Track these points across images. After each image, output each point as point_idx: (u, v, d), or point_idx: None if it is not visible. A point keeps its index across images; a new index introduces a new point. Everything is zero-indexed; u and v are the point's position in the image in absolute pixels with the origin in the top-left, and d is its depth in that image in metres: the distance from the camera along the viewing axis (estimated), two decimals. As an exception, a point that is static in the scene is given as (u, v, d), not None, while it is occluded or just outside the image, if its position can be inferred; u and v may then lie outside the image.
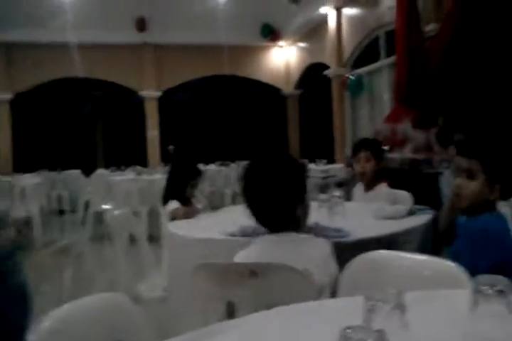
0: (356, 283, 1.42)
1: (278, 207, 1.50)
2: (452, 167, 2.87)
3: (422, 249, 1.91)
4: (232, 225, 2.03)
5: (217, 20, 9.99)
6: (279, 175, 1.50)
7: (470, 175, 1.70)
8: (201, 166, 9.45)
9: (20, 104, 11.12)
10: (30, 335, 0.93)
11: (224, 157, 10.12)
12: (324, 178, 6.09)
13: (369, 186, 3.10)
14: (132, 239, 2.62)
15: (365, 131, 8.65)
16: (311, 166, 7.76)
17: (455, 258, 1.44)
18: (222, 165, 9.13)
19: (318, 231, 1.86)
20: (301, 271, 1.42)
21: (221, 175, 8.18)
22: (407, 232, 2.00)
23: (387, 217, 2.23)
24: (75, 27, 9.53)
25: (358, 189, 3.18)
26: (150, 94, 11.35)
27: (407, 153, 5.55)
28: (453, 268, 1.30)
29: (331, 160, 8.76)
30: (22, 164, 10.50)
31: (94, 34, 10.16)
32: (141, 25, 10.45)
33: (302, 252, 1.51)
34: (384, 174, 3.19)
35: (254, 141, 12.28)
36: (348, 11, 8.94)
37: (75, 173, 9.05)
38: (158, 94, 11.45)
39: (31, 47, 10.43)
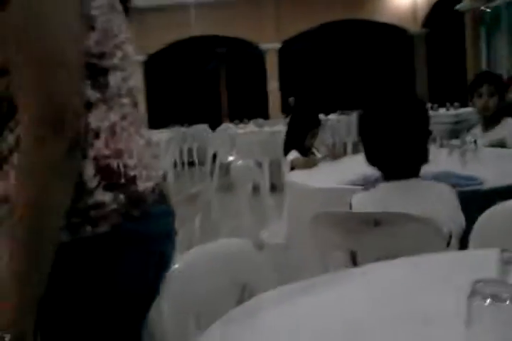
0: (490, 234, 1.32)
1: (399, 150, 1.42)
2: None
3: None
4: (353, 174, 1.98)
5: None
6: (398, 115, 1.43)
7: None
8: (322, 116, 9.39)
9: (151, 64, 11.81)
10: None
11: (346, 106, 9.86)
12: (456, 123, 5.65)
13: (490, 124, 2.81)
14: (255, 189, 2.69)
15: (504, 71, 7.80)
16: (442, 111, 7.26)
17: None
18: (343, 114, 8.90)
19: (444, 179, 1.73)
20: (426, 219, 1.34)
21: (342, 125, 8.00)
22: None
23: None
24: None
25: (474, 132, 2.89)
26: (270, 46, 11.36)
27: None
28: None
29: (464, 104, 8.07)
30: (156, 120, 11.26)
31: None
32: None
33: (426, 199, 1.43)
34: (509, 111, 2.89)
35: (377, 88, 11.76)
36: None
37: (203, 127, 9.48)
38: (278, 45, 11.40)
39: (158, 10, 10.92)
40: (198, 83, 13.83)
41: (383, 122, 1.43)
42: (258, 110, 11.37)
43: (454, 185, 1.67)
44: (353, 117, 8.65)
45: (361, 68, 12.92)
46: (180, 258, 1.05)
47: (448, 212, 1.41)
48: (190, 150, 9.22)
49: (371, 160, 1.48)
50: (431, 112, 7.41)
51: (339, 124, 8.15)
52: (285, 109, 10.83)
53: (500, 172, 1.92)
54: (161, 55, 11.75)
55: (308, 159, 2.76)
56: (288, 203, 2.24)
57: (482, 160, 2.12)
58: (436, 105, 7.91)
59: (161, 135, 6.73)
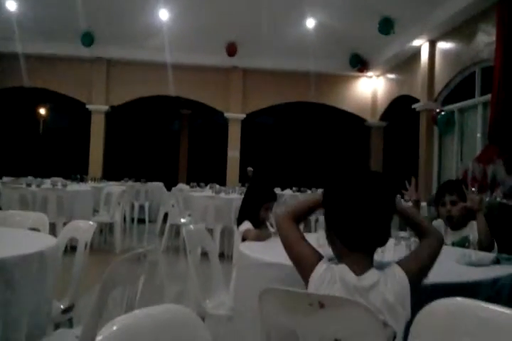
0: (430, 329, 1.34)
1: (370, 228, 1.45)
2: None
3: (499, 301, 1.77)
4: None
5: (306, 48, 10.15)
6: (368, 191, 1.45)
7: None
8: (277, 190, 9.55)
9: (114, 116, 11.88)
10: (98, 337, 0.96)
11: (301, 183, 10.10)
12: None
13: (456, 227, 2.96)
14: (204, 254, 2.66)
15: (453, 170, 8.29)
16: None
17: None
18: (298, 191, 9.10)
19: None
20: (370, 309, 1.37)
21: (294, 200, 8.14)
22: (494, 282, 1.86)
23: (471, 264, 2.10)
24: (170, 48, 10.14)
25: (443, 227, 3.04)
26: (235, 116, 11.69)
27: (497, 196, 5.24)
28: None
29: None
30: (111, 172, 11.15)
31: (187, 56, 10.78)
32: (232, 49, 10.85)
33: (383, 292, 1.45)
34: (472, 216, 3.05)
35: (333, 170, 12.17)
36: (443, 45, 8.74)
37: (158, 185, 9.43)
38: (242, 116, 11.76)
39: (128, 65, 11.23)
40: (159, 141, 13.93)
41: (352, 197, 1.45)
42: (215, 175, 11.48)
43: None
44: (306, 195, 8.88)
45: (320, 149, 13.44)
46: (118, 319, 1.02)
47: (396, 306, 1.44)
48: (142, 207, 9.11)
49: (336, 231, 1.49)
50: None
51: (294, 200, 8.29)
52: (242, 178, 10.98)
53: (444, 269, 1.99)
54: (125, 109, 11.87)
55: (261, 231, 2.76)
56: (236, 274, 2.23)
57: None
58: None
59: (114, 188, 6.64)
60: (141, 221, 8.94)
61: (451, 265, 2.12)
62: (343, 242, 1.49)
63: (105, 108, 11.46)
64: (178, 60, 10.73)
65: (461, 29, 7.93)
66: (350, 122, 12.57)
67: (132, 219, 8.57)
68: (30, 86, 11.03)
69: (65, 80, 11.26)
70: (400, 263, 1.54)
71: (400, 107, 10.68)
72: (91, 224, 2.68)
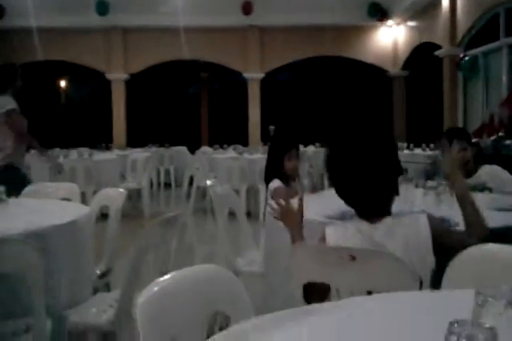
0: (463, 276, 1.35)
1: (369, 187, 1.42)
2: None
3: None
4: (331, 208, 2.01)
5: (323, 1, 9.78)
6: (366, 151, 1.42)
7: None
8: (300, 147, 9.49)
9: (134, 84, 11.85)
10: (140, 299, 0.99)
11: (324, 139, 10.02)
12: (432, 164, 5.80)
13: (469, 172, 2.93)
14: (231, 215, 2.70)
15: (479, 116, 8.08)
16: (418, 151, 7.43)
17: None
18: (321, 146, 9.05)
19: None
20: (399, 258, 1.38)
21: (320, 156, 8.10)
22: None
23: (502, 209, 2.08)
24: (184, 12, 9.89)
25: None
26: (253, 75, 11.51)
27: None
28: None
29: (440, 145, 8.28)
30: (134, 139, 11.24)
31: (202, 18, 10.53)
32: (248, 8, 10.55)
33: (402, 237, 1.45)
34: (492, 160, 3.03)
35: (356, 123, 11.99)
36: (464, -13, 8.31)
37: (182, 149, 9.49)
38: (261, 75, 11.57)
39: (144, 31, 11.07)
40: (180, 106, 13.90)
41: (351, 158, 1.43)
42: (238, 136, 11.46)
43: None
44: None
45: (342, 103, 13.19)
46: (155, 282, 1.05)
47: (421, 250, 1.44)
48: (167, 172, 9.21)
49: (342, 196, 1.48)
50: (407, 152, 7.64)
51: (317, 156, 8.25)
52: (264, 137, 10.94)
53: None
54: (145, 76, 11.82)
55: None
56: (266, 232, 2.26)
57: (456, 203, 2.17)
58: (412, 145, 8.11)
59: (139, 154, 6.72)
60: (168, 185, 9.07)
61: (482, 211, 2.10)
62: (350, 205, 1.48)
63: (124, 76, 11.43)
64: (193, 23, 10.50)
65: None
66: (372, 74, 12.26)
67: (159, 184, 8.71)
68: (46, 59, 11.02)
69: (82, 51, 11.21)
70: (430, 216, 1.53)
71: (421, 55, 10.32)
72: (121, 191, 2.73)
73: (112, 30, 11.19)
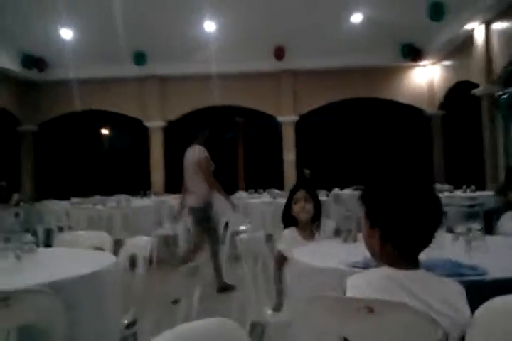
0: (488, 328, 1.28)
1: (422, 232, 1.42)
2: None
3: None
4: (356, 256, 1.95)
5: (355, 44, 9.96)
6: (418, 199, 1.43)
7: None
8: (337, 190, 9.38)
9: (171, 130, 12.22)
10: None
11: (362, 181, 9.90)
12: (471, 206, 5.58)
13: None
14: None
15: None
16: (457, 193, 7.18)
17: None
18: (357, 189, 8.92)
19: (448, 267, 1.71)
20: (423, 312, 1.31)
21: (355, 199, 7.97)
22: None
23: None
24: (218, 59, 10.24)
25: (509, 218, 2.87)
26: (287, 118, 11.67)
27: None
28: None
29: (481, 187, 8.00)
30: (173, 185, 11.42)
31: (235, 64, 10.90)
32: (280, 53, 10.85)
33: (429, 295, 1.38)
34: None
35: (394, 165, 11.86)
36: (498, 25, 8.31)
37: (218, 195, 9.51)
38: (295, 118, 11.72)
39: (180, 79, 11.52)
40: (217, 150, 14.10)
41: (402, 200, 1.43)
42: (273, 180, 11.48)
43: (457, 274, 1.66)
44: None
45: (379, 144, 13.09)
46: (165, 334, 1.03)
47: (451, 313, 1.37)
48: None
49: (388, 236, 1.45)
50: (447, 194, 7.40)
51: (353, 199, 8.14)
52: (300, 181, 10.91)
53: (505, 263, 1.88)
54: (182, 123, 12.17)
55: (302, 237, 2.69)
56: (289, 280, 2.21)
57: (487, 249, 2.08)
58: (452, 187, 7.87)
59: (175, 200, 6.79)
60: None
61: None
62: (395, 246, 1.43)
63: (162, 123, 11.82)
64: (227, 70, 10.90)
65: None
66: (408, 114, 12.21)
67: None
68: (88, 109, 11.57)
69: (120, 100, 11.75)
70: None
71: (458, 94, 10.24)
72: (147, 239, 2.75)
73: (148, 79, 11.69)
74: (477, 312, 1.29)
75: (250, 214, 6.66)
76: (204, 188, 4.92)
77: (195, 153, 5.20)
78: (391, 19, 9.55)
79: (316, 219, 2.75)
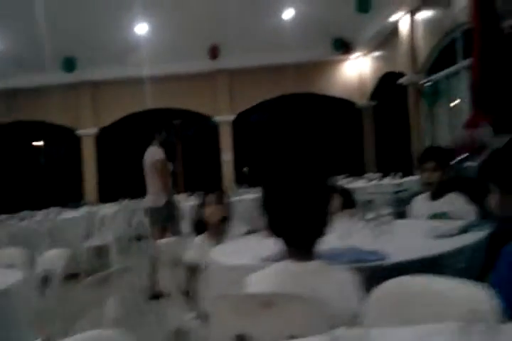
0: (382, 309, 1.32)
1: (300, 222, 1.43)
2: None
3: (471, 269, 1.73)
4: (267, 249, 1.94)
5: (288, 40, 9.98)
6: (299, 193, 1.44)
7: None
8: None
9: (104, 137, 11.86)
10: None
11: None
12: (396, 193, 5.77)
13: (435, 196, 2.89)
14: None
15: (446, 140, 8.16)
16: (385, 180, 7.40)
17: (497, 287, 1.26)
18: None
19: (348, 254, 1.73)
20: (317, 302, 1.32)
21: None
22: (454, 253, 1.80)
23: (439, 236, 2.03)
24: (151, 61, 10.03)
25: (422, 198, 2.96)
26: (224, 118, 11.63)
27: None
28: (484, 297, 1.14)
29: (409, 173, 8.28)
30: (107, 194, 11.09)
31: (169, 66, 10.70)
32: (214, 52, 10.77)
33: (321, 283, 1.41)
34: (455, 184, 2.97)
35: (329, 158, 12.04)
36: (421, 15, 8.60)
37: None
38: (232, 117, 11.69)
39: (113, 84, 11.19)
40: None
41: (286, 196, 1.44)
42: (212, 181, 11.41)
43: (356, 261, 1.68)
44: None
45: (314, 138, 13.23)
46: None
47: (343, 300, 1.38)
48: (140, 224, 9.01)
49: (274, 230, 1.46)
50: (375, 182, 7.61)
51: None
52: (239, 180, 10.91)
53: (407, 247, 1.94)
54: (115, 129, 11.87)
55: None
56: (206, 284, 2.18)
57: (393, 234, 2.13)
58: (381, 175, 8.11)
59: (106, 210, 6.61)
60: (145, 238, 8.87)
61: (418, 240, 2.06)
62: (286, 241, 1.46)
63: (94, 131, 11.45)
64: (161, 71, 10.68)
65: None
66: (341, 107, 12.44)
67: (130, 238, 8.50)
68: (17, 120, 11.08)
69: (51, 110, 11.28)
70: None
71: (388, 85, 10.54)
72: (62, 252, 2.64)
73: (80, 85, 11.30)
74: (372, 294, 1.33)
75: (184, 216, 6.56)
76: (157, 187, 5.00)
77: (151, 155, 5.28)
78: (321, 14, 9.69)
79: (226, 221, 2.75)
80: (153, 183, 5.05)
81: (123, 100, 11.33)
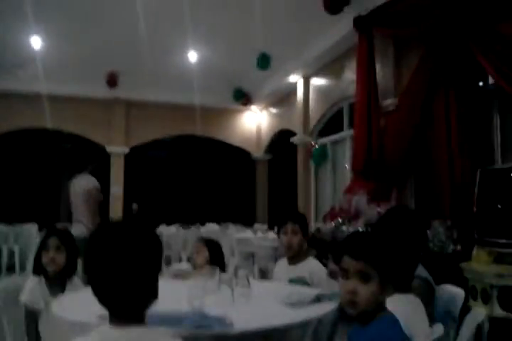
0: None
1: (125, 288, 1.30)
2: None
3: None
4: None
5: (190, 81, 10.11)
6: (127, 248, 1.31)
7: (364, 277, 1.51)
8: (163, 227, 9.25)
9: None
10: None
11: (189, 219, 9.93)
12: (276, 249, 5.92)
13: (295, 260, 2.99)
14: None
15: (329, 201, 8.63)
16: (270, 234, 7.54)
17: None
18: (182, 227, 8.92)
19: (196, 320, 1.72)
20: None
21: (178, 239, 7.96)
22: (302, 324, 1.87)
23: (292, 304, 2.11)
24: (46, 78, 9.55)
25: (282, 263, 3.06)
26: (117, 149, 11.31)
27: (358, 227, 5.48)
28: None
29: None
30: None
31: (65, 86, 10.26)
32: (112, 80, 10.52)
33: None
34: (316, 247, 3.13)
35: (221, 204, 12.16)
36: (315, 81, 9.24)
37: (30, 227, 8.74)
38: (126, 150, 11.41)
39: (1, 97, 10.45)
40: (38, 177, 12.96)
41: (110, 254, 1.30)
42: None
43: (199, 326, 1.67)
44: (192, 231, 8.75)
45: (208, 183, 13.33)
46: None
47: None
48: (11, 253, 8.36)
49: (97, 295, 1.32)
50: (260, 235, 7.74)
51: (176, 238, 8.09)
52: (127, 215, 10.55)
53: (258, 314, 1.98)
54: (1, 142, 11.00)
55: None
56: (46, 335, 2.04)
57: (248, 298, 2.17)
58: (265, 227, 8.28)
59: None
60: (11, 269, 8.19)
61: (271, 306, 2.11)
62: (104, 303, 1.33)
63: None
64: (55, 91, 10.19)
65: (330, 66, 8.44)
66: (238, 155, 12.74)
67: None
68: None
69: None
70: None
71: (282, 140, 11.01)
72: None
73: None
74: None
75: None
76: (89, 216, 5.11)
77: (86, 182, 5.45)
78: (225, 63, 9.95)
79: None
80: (83, 212, 5.17)
81: (10, 114, 10.55)
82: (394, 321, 1.56)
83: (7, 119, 10.59)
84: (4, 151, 11.79)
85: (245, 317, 1.84)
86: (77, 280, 2.65)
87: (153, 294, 1.35)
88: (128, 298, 1.31)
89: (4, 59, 9.47)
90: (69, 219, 10.86)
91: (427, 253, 3.77)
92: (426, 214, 5.29)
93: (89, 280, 1.33)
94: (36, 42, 9.13)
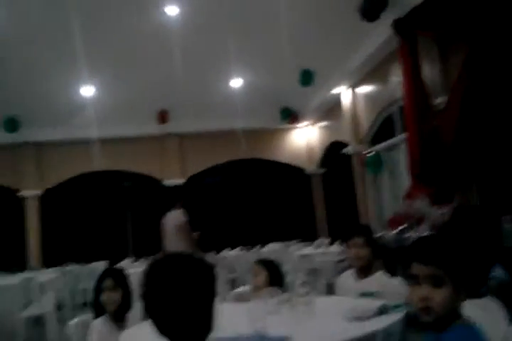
0: None
1: (183, 317, 1.33)
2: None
3: None
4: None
5: (237, 107, 10.32)
6: (181, 280, 1.35)
7: (436, 282, 1.44)
8: (226, 251, 9.28)
9: (49, 199, 11.53)
10: None
11: (249, 241, 9.92)
12: (340, 261, 5.77)
13: (363, 274, 2.90)
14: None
15: (390, 209, 8.38)
16: (333, 247, 7.41)
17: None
18: (244, 249, 8.92)
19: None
20: None
21: (241, 261, 7.95)
22: (366, 338, 1.79)
23: (355, 318, 2.02)
24: (101, 122, 10.05)
25: (348, 277, 2.97)
26: (173, 182, 11.61)
27: (423, 231, 5.26)
28: None
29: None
30: (51, 258, 10.59)
31: (119, 128, 10.75)
32: (163, 117, 10.95)
33: None
34: (381, 256, 3.02)
35: (281, 222, 12.07)
36: (362, 89, 9.11)
37: (101, 265, 9.00)
38: (182, 181, 11.69)
39: (59, 145, 11.09)
40: (102, 217, 13.39)
41: (167, 286, 1.34)
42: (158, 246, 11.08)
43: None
44: (254, 252, 8.71)
45: (264, 203, 13.25)
46: None
47: None
48: (85, 291, 8.62)
49: (155, 325, 1.36)
50: (321, 250, 7.61)
51: (238, 261, 8.09)
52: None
53: (320, 331, 1.91)
54: (61, 190, 11.58)
55: None
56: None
57: (310, 315, 2.11)
58: (328, 240, 8.11)
59: (45, 276, 6.28)
60: (86, 306, 8.42)
61: (334, 322, 2.04)
62: (165, 336, 1.35)
63: (38, 192, 11.17)
64: (109, 134, 10.70)
65: (374, 73, 8.33)
66: (291, 173, 12.68)
67: (74, 305, 8.06)
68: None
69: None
70: None
71: (334, 153, 10.89)
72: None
73: (22, 145, 11.11)
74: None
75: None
76: (183, 248, 5.77)
77: (177, 217, 6.49)
78: (269, 84, 10.11)
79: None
80: (176, 243, 5.98)
81: (69, 162, 11.19)
82: (475, 329, 1.46)
83: (70, 166, 11.21)
84: (70, 196, 12.36)
85: (307, 335, 1.78)
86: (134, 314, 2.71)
87: (211, 321, 1.38)
88: (186, 326, 1.34)
89: (59, 109, 10.07)
90: (135, 253, 11.23)
91: (502, 250, 3.54)
92: (495, 211, 5.00)
93: (149, 312, 1.36)
94: (88, 90, 9.68)
